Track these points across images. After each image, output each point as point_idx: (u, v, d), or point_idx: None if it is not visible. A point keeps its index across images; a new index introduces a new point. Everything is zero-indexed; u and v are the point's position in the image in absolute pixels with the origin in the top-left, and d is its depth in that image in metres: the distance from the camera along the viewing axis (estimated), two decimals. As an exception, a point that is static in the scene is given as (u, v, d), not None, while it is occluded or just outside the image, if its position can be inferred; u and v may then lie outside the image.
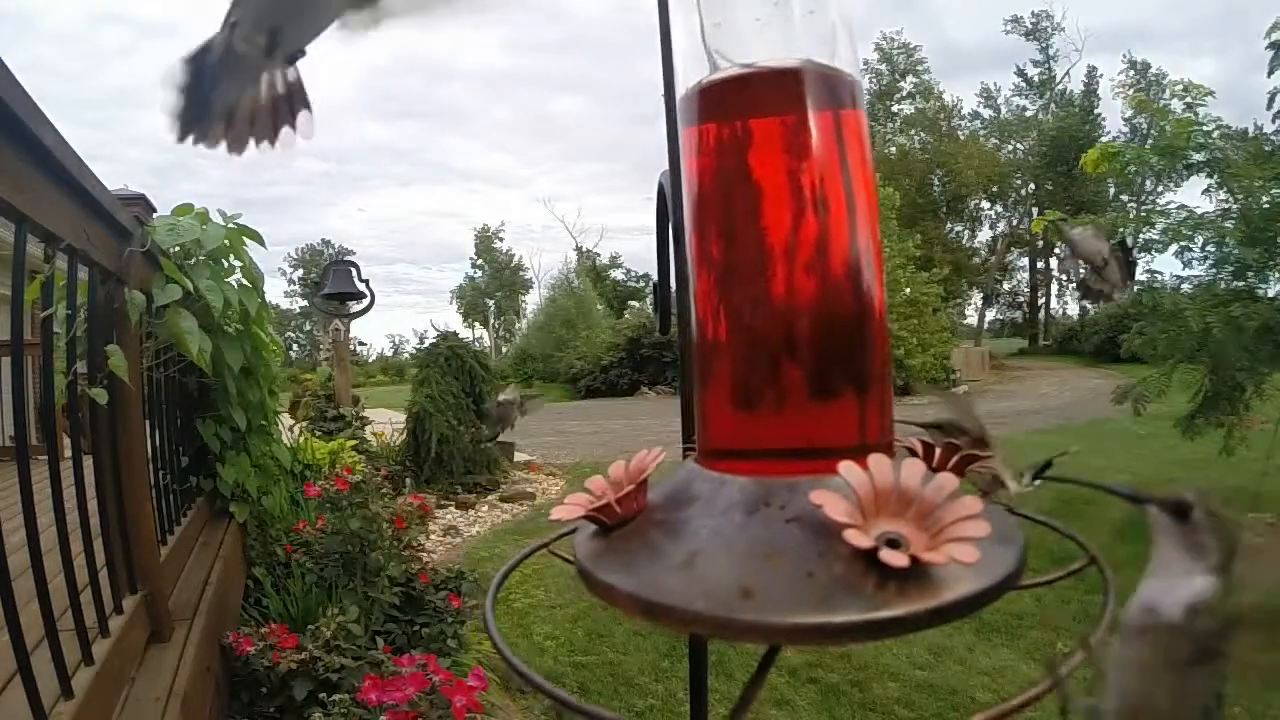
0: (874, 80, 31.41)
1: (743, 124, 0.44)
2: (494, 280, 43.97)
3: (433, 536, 5.07)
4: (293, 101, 0.49)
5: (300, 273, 48.23)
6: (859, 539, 0.35)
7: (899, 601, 0.34)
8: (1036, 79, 32.56)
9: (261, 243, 2.69)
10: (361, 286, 7.53)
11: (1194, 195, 4.92)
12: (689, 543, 0.41)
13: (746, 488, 0.42)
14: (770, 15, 0.44)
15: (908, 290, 16.85)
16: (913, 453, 0.48)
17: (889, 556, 0.35)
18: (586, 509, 0.45)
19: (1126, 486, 0.39)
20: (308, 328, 45.83)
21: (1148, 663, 0.34)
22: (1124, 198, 25.09)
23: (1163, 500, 0.36)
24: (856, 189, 0.43)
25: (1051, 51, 32.12)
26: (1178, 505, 0.35)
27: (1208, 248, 4.73)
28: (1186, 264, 4.89)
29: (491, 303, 44.05)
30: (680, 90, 0.47)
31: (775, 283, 0.42)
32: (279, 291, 48.43)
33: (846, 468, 0.38)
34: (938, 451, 0.49)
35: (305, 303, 44.11)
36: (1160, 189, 6.93)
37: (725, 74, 0.44)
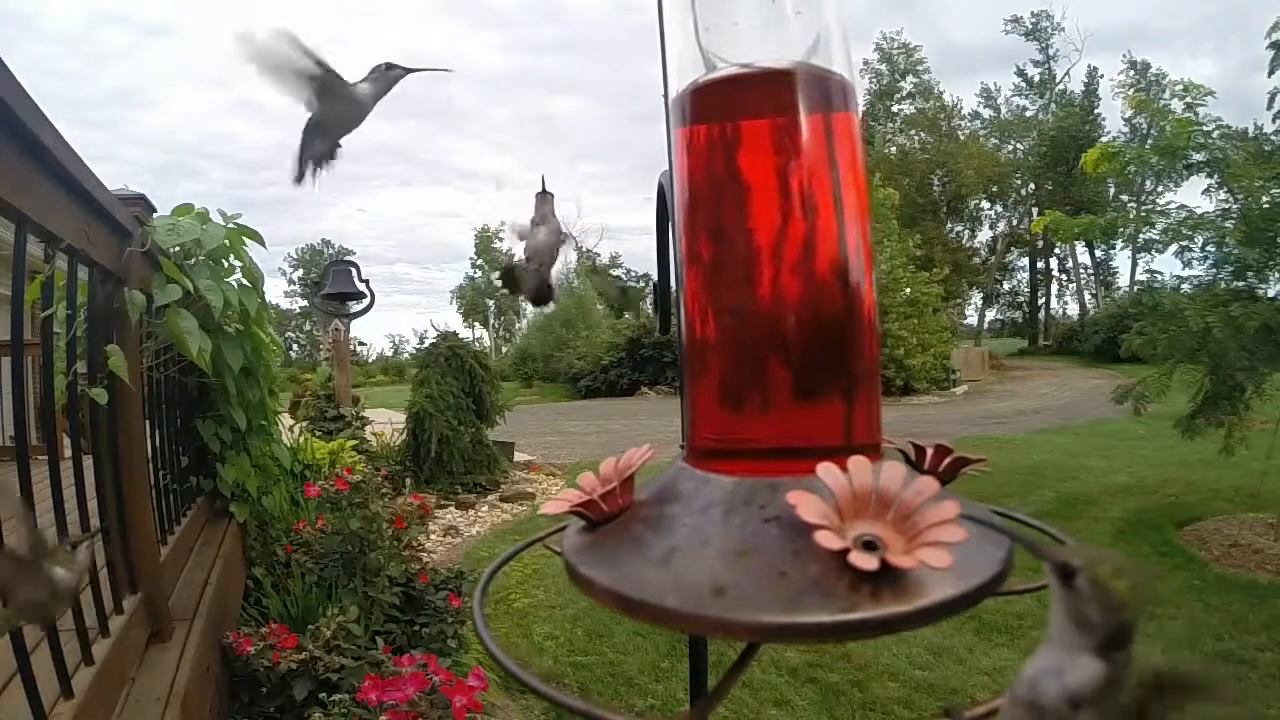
0: (874, 80, 31.46)
1: (733, 125, 0.44)
2: (494, 280, 43.93)
3: (433, 536, 5.07)
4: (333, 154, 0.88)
5: (300, 273, 48.25)
6: (830, 540, 0.35)
7: (871, 604, 0.34)
8: (1036, 79, 32.57)
9: (261, 243, 2.69)
10: (361, 286, 7.53)
11: (1194, 195, 4.92)
12: (668, 539, 0.41)
13: (728, 487, 0.42)
14: (765, 17, 0.45)
15: (908, 290, 16.86)
16: (904, 454, 0.48)
17: (858, 559, 0.35)
18: (573, 504, 0.45)
19: (1040, 543, 0.36)
20: (308, 328, 45.85)
21: None
22: (1124, 198, 25.06)
23: (1052, 559, 0.33)
24: (846, 191, 0.43)
25: (1051, 51, 32.17)
26: (1062, 568, 0.32)
27: (1208, 248, 4.72)
28: (1186, 264, 4.89)
29: (491, 303, 44.06)
30: (673, 91, 0.47)
31: (762, 283, 0.42)
32: (279, 291, 48.49)
33: (825, 469, 0.38)
34: (929, 453, 0.48)
35: (305, 303, 44.14)
36: (1160, 189, 6.92)
37: (717, 75, 0.45)
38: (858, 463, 0.39)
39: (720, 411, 0.46)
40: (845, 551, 0.35)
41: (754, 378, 0.43)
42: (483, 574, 0.54)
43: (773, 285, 0.42)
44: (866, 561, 0.34)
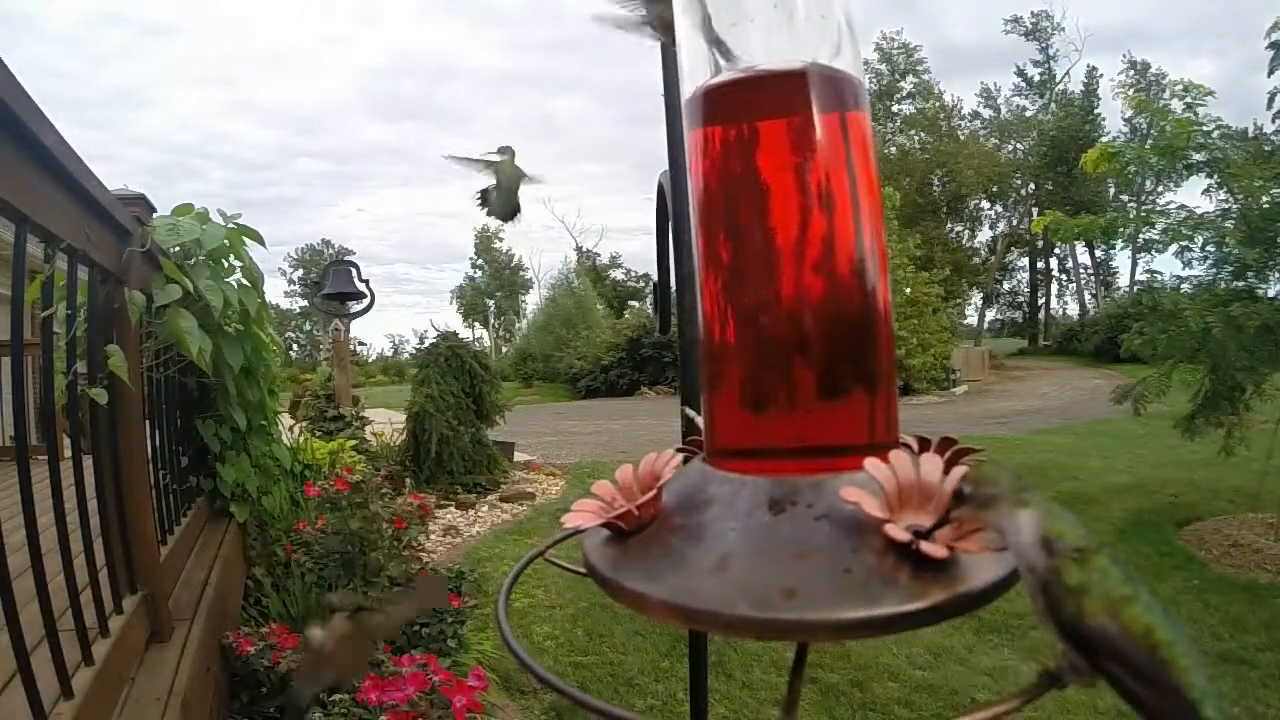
0: (874, 80, 31.40)
1: (749, 126, 0.44)
2: (494, 280, 43.97)
3: (433, 536, 5.07)
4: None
5: (300, 273, 48.25)
6: (898, 533, 0.36)
7: (935, 590, 0.35)
8: (1036, 79, 32.57)
9: (261, 243, 2.69)
10: (361, 286, 7.53)
11: (1194, 195, 4.92)
12: (717, 545, 0.41)
13: (769, 488, 0.42)
14: (774, 17, 0.44)
15: (908, 290, 16.86)
16: (909, 448, 0.49)
17: (930, 548, 0.36)
18: (605, 517, 0.44)
19: None
20: (308, 328, 45.85)
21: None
22: (1124, 198, 25.09)
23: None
24: (861, 190, 0.43)
25: (1051, 51, 32.18)
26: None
27: (1208, 248, 4.72)
28: (1186, 264, 4.89)
29: (491, 303, 44.06)
30: (684, 93, 0.47)
31: (784, 283, 0.43)
32: (279, 291, 48.49)
33: (873, 464, 0.39)
34: (932, 447, 0.49)
35: (305, 303, 44.14)
36: (1160, 189, 6.93)
37: (730, 76, 0.44)
38: (899, 457, 0.40)
39: (745, 412, 0.45)
40: (911, 543, 0.36)
41: (780, 377, 0.43)
42: (493, 581, 0.53)
43: (795, 284, 0.42)
44: (938, 550, 0.35)
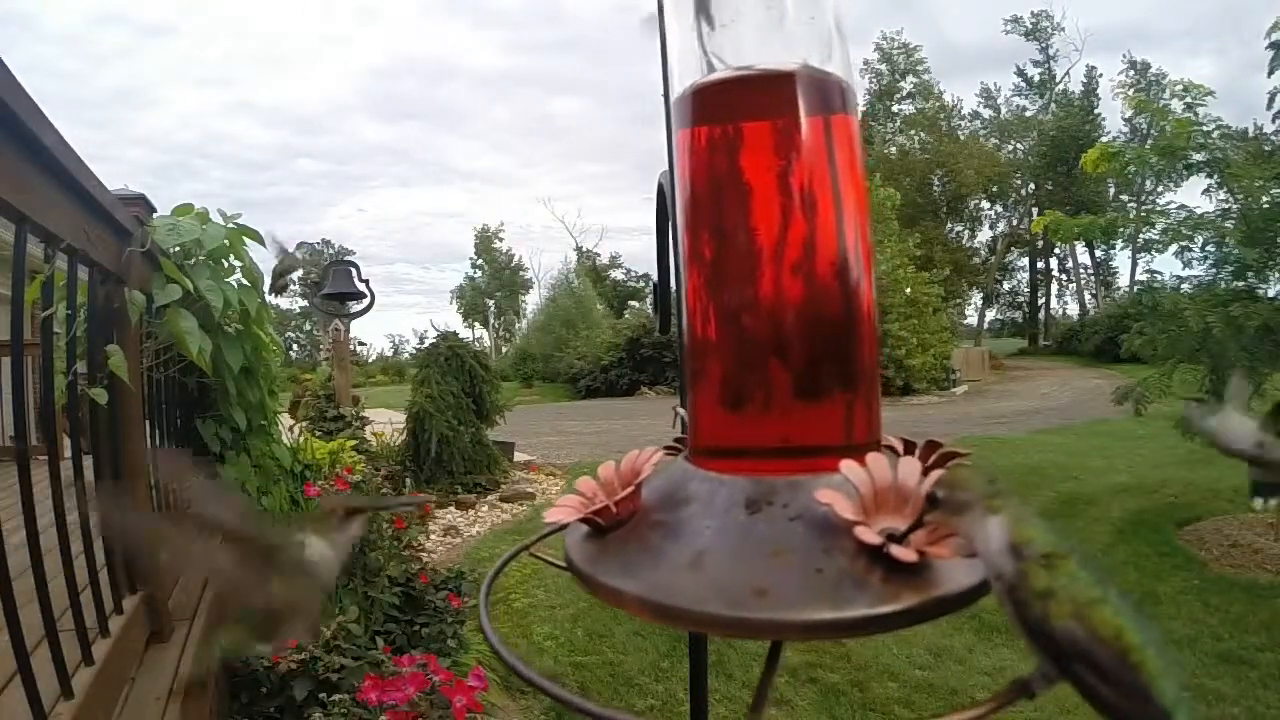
0: (874, 80, 31.48)
1: (734, 126, 0.44)
2: (494, 280, 43.96)
3: (433, 536, 5.07)
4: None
5: (300, 272, 48.18)
6: (869, 536, 0.36)
7: (906, 594, 0.35)
8: (1036, 79, 32.58)
9: (262, 243, 2.69)
10: (361, 286, 7.53)
11: (1194, 195, 4.93)
12: (693, 543, 0.41)
13: (746, 487, 0.42)
14: (765, 19, 0.45)
15: (908, 290, 16.86)
16: (893, 450, 0.49)
17: (899, 552, 0.35)
18: (584, 512, 0.44)
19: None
20: (308, 328, 45.82)
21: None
22: (1124, 198, 25.06)
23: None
24: (845, 191, 0.43)
25: (1051, 51, 32.20)
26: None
27: (1208, 248, 4.73)
28: (1186, 264, 4.89)
29: (491, 303, 44.04)
30: (674, 92, 0.47)
31: (764, 283, 0.43)
32: (279, 291, 48.33)
33: (849, 466, 0.39)
34: (917, 450, 0.49)
35: (305, 303, 44.11)
36: (1160, 189, 6.93)
37: (718, 76, 0.45)
38: (876, 460, 0.40)
39: (725, 410, 0.46)
40: (882, 546, 0.36)
41: (758, 377, 0.43)
42: (484, 580, 0.53)
43: (775, 284, 0.42)
44: (907, 554, 0.35)
